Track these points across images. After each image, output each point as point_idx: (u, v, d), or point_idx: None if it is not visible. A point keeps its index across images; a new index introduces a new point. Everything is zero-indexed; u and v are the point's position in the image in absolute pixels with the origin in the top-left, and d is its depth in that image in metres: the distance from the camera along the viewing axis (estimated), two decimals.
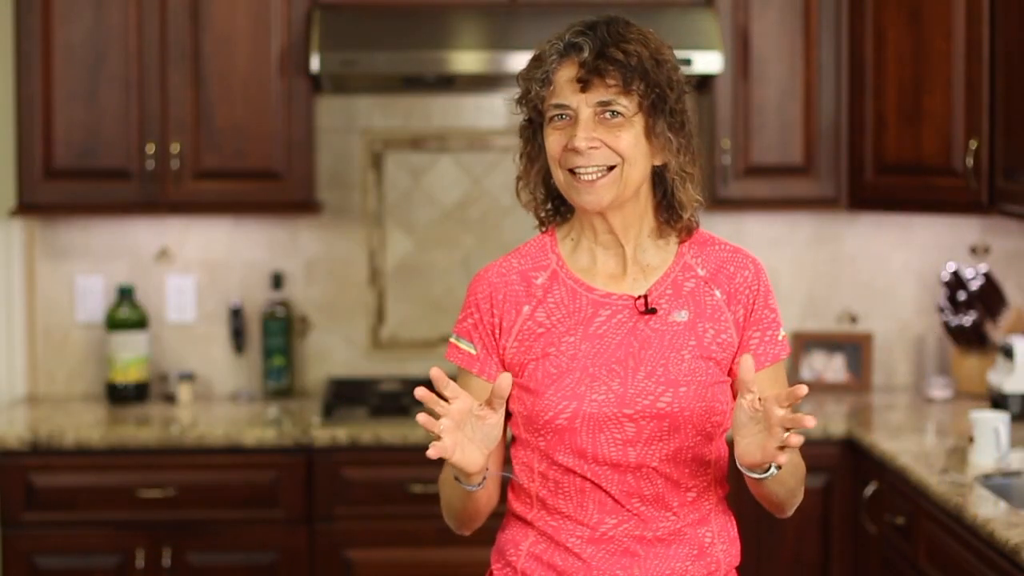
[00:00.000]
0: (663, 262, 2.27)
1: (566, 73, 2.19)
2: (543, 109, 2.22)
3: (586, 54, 2.16)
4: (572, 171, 2.19)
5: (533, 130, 2.26)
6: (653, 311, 2.23)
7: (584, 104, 2.17)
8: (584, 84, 2.17)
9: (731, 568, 2.30)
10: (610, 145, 2.17)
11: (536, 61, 2.22)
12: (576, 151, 2.17)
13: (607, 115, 2.18)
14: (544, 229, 2.32)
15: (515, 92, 2.27)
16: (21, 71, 4.12)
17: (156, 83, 4.15)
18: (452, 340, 2.31)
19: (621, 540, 2.21)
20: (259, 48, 4.16)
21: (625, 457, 2.20)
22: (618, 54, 2.16)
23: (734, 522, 2.33)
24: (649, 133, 2.20)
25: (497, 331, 2.26)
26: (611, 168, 2.19)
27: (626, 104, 2.17)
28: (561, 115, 2.19)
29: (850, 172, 4.24)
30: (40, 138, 4.13)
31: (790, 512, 2.30)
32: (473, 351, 2.28)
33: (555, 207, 2.31)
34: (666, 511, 2.22)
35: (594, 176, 2.18)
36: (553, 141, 2.21)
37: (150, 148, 4.14)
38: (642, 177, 2.22)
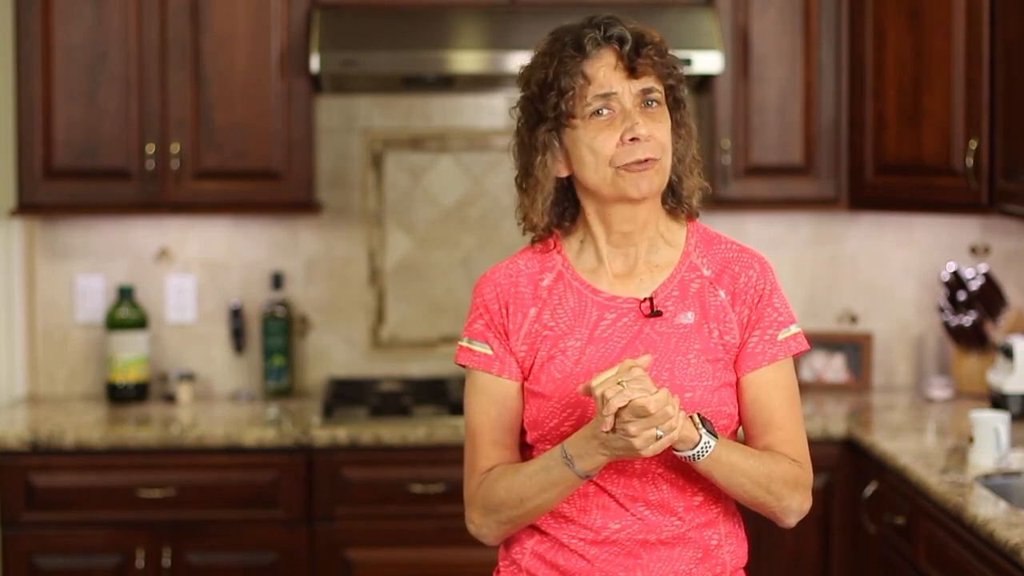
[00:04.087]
0: (670, 261, 2.26)
1: (607, 61, 2.16)
2: (580, 105, 2.16)
3: (628, 44, 2.16)
4: (623, 165, 2.16)
5: (550, 133, 2.19)
6: (659, 314, 2.22)
7: (628, 92, 2.16)
8: (632, 71, 2.16)
9: (737, 568, 2.28)
10: (655, 135, 2.17)
11: (569, 58, 2.16)
12: (637, 140, 2.15)
13: (645, 105, 2.17)
14: (543, 239, 2.29)
15: (526, 92, 2.21)
16: (21, 71, 4.12)
17: (156, 83, 4.15)
18: (464, 344, 2.27)
19: (624, 543, 2.20)
20: (259, 48, 4.16)
21: (631, 464, 2.19)
22: (655, 38, 2.18)
23: (742, 522, 2.31)
24: (675, 124, 2.22)
25: (507, 332, 2.24)
26: (656, 159, 2.18)
27: (660, 92, 2.19)
28: (601, 110, 2.16)
29: (850, 172, 4.23)
30: (40, 138, 4.13)
31: (784, 517, 2.24)
32: (489, 352, 2.24)
33: (556, 221, 2.27)
34: (671, 516, 2.21)
35: (645, 165, 2.16)
36: (605, 139, 2.16)
37: (150, 148, 4.14)
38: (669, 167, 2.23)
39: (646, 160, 2.16)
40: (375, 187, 4.51)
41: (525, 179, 2.24)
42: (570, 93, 2.16)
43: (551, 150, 2.21)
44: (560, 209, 2.27)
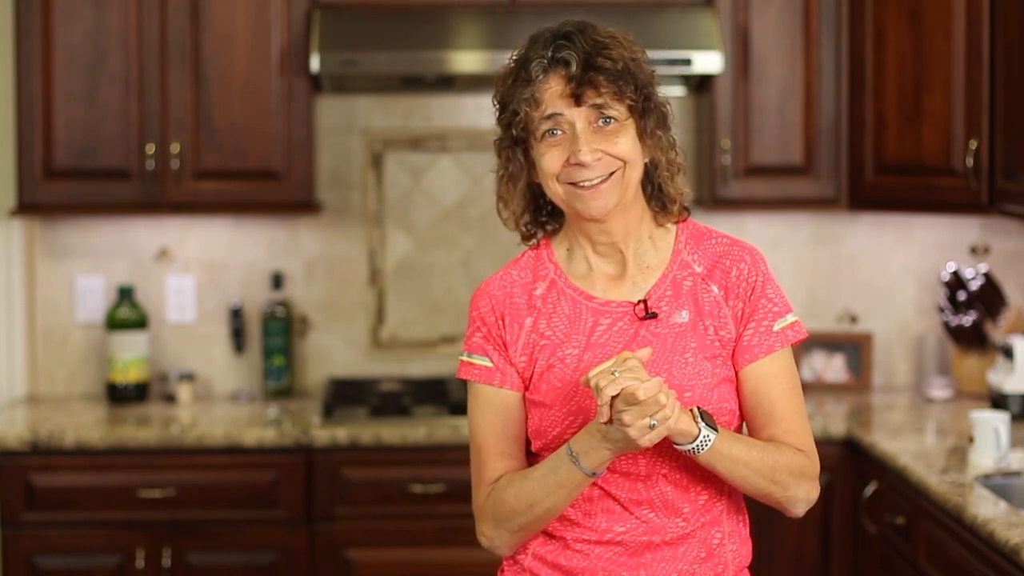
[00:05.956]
0: (661, 261, 2.26)
1: (555, 87, 2.15)
2: (532, 128, 2.17)
3: (574, 67, 2.13)
4: (572, 183, 2.17)
5: (514, 148, 2.21)
6: (654, 316, 2.21)
7: (578, 116, 2.15)
8: (577, 98, 2.14)
9: (741, 568, 2.28)
10: (610, 153, 2.15)
11: (520, 82, 2.17)
12: (582, 165, 2.14)
13: (600, 123, 2.15)
14: (534, 243, 2.29)
15: (494, 110, 2.22)
16: (21, 71, 4.12)
17: (156, 83, 4.15)
18: (464, 358, 2.27)
19: (629, 544, 2.20)
20: (259, 48, 4.16)
21: (635, 467, 2.19)
22: (606, 62, 2.14)
23: (746, 521, 2.30)
24: (642, 134, 2.19)
25: (505, 344, 2.25)
26: (611, 173, 2.17)
27: (618, 109, 2.16)
28: (553, 130, 2.16)
29: (850, 172, 4.24)
30: (40, 138, 4.13)
31: (792, 507, 2.22)
32: (490, 364, 2.25)
33: (536, 220, 2.28)
34: (676, 517, 2.21)
35: (597, 181, 2.16)
36: (552, 158, 2.17)
37: (150, 148, 4.15)
38: (640, 177, 2.21)
39: (597, 183, 2.15)
40: (375, 187, 4.51)
41: (497, 187, 2.26)
42: (519, 116, 2.17)
43: (514, 163, 2.22)
44: (543, 214, 2.27)
